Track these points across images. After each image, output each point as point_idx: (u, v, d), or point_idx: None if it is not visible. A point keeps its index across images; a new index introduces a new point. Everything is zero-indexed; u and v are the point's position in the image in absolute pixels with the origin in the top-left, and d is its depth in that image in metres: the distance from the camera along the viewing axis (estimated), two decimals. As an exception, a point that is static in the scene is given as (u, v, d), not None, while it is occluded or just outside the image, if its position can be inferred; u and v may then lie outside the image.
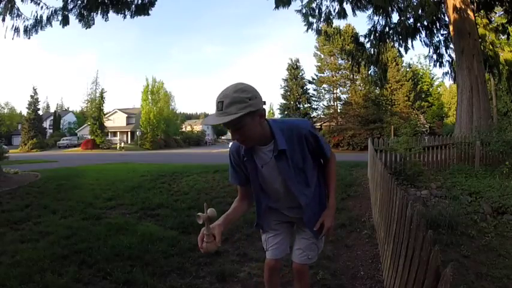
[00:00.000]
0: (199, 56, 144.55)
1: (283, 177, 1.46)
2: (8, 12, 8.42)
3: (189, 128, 55.53)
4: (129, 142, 42.65)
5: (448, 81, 47.14)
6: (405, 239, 1.58)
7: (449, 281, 0.87)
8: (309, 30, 11.16)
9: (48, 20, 9.07)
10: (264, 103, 1.31)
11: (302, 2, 10.78)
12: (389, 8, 10.70)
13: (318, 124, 32.15)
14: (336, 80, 31.01)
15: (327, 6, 10.91)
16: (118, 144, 35.38)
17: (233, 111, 1.19)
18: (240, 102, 1.20)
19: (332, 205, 1.57)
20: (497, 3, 10.47)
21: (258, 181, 1.52)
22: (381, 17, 11.05)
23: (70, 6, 9.16)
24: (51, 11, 9.09)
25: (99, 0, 9.21)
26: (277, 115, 40.37)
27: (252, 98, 1.22)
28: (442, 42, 11.51)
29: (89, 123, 37.45)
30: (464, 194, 4.70)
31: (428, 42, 11.42)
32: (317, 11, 10.90)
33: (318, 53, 31.44)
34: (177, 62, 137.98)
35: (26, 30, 8.91)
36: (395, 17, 20.25)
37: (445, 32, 11.14)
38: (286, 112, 31.15)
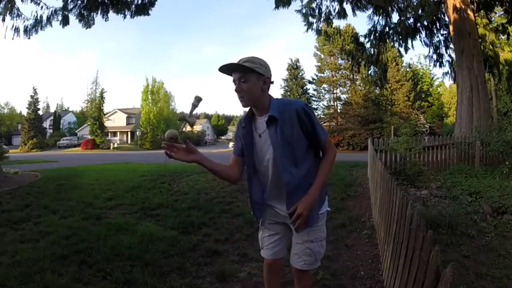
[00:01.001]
0: (199, 56, 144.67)
1: (272, 150, 1.49)
2: (8, 12, 8.42)
3: (189, 128, 55.51)
4: (129, 142, 42.66)
5: (448, 81, 47.15)
6: (405, 239, 1.58)
7: (449, 281, 0.87)
8: (309, 30, 11.18)
9: (48, 20, 9.07)
10: (272, 82, 1.51)
11: (302, 2, 10.80)
12: (389, 8, 10.70)
13: (318, 124, 32.08)
14: (336, 80, 31.01)
15: (327, 6, 10.93)
16: (112, 144, 35.09)
17: (245, 64, 1.42)
18: (253, 62, 1.44)
19: (311, 193, 1.49)
20: (497, 3, 10.47)
21: (252, 156, 1.57)
22: (380, 17, 11.06)
23: (70, 6, 9.17)
24: (51, 11, 9.09)
25: (99, 0, 9.21)
26: (277, 115, 40.23)
27: (263, 65, 1.46)
28: (442, 42, 11.52)
29: (89, 123, 37.47)
30: (464, 194, 4.70)
31: (428, 42, 11.43)
32: (317, 11, 10.91)
33: (318, 53, 31.47)
34: (177, 62, 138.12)
35: (26, 30, 8.91)
36: (395, 17, 20.29)
37: (445, 32, 11.15)
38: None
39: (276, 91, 32.35)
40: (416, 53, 57.98)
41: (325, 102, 32.78)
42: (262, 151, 1.54)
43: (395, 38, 11.19)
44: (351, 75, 29.40)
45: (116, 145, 35.51)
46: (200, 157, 1.48)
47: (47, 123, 46.70)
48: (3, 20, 8.38)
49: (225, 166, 1.60)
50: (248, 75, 1.43)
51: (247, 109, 1.58)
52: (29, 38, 9.04)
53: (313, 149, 1.56)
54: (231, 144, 35.94)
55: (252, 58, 1.46)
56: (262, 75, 1.45)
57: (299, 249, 1.60)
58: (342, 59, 28.64)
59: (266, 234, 1.70)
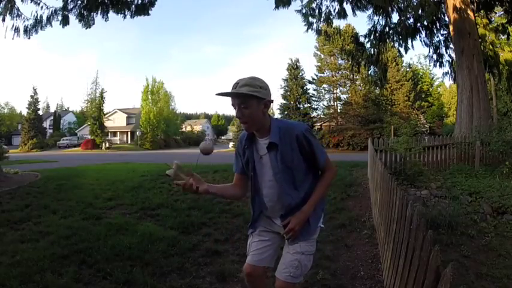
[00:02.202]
0: (199, 56, 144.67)
1: (273, 172, 1.52)
2: (8, 12, 8.42)
3: (189, 128, 55.55)
4: (129, 142, 42.64)
5: (448, 81, 47.11)
6: (405, 239, 1.58)
7: (449, 281, 0.87)
8: (309, 30, 11.17)
9: (48, 20, 9.07)
10: (272, 101, 1.51)
11: (302, 2, 10.80)
12: (390, 8, 10.70)
13: (318, 124, 32.13)
14: (336, 80, 30.99)
15: (327, 6, 10.92)
16: (104, 144, 34.85)
17: (244, 90, 1.40)
18: (252, 86, 1.41)
19: (305, 210, 1.51)
20: (497, 3, 10.47)
21: (255, 173, 1.59)
22: (380, 17, 11.06)
23: (70, 6, 9.16)
24: (51, 11, 9.09)
25: (99, 0, 9.21)
26: (277, 115, 40.36)
27: (262, 88, 1.44)
28: (442, 42, 11.52)
29: (89, 123, 37.44)
30: (464, 194, 4.70)
31: (428, 42, 11.43)
32: (317, 11, 10.90)
33: (318, 53, 31.44)
34: (177, 62, 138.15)
35: (26, 30, 8.91)
36: (395, 17, 20.24)
37: (445, 32, 11.15)
38: (286, 112, 31.11)
39: (276, 91, 32.33)
40: (416, 53, 58.06)
41: (325, 102, 32.78)
42: (263, 172, 1.56)
43: (395, 38, 11.19)
44: (351, 75, 29.38)
45: (107, 145, 34.88)
46: (207, 187, 1.55)
47: (47, 123, 46.70)
48: (3, 20, 8.38)
49: (229, 187, 1.68)
50: (249, 100, 1.42)
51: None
52: (29, 38, 9.05)
53: (311, 171, 1.58)
54: (231, 144, 35.93)
55: (251, 81, 1.43)
56: (262, 99, 1.44)
57: (287, 259, 1.57)
58: (342, 59, 28.61)
59: (255, 240, 1.68)
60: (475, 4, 10.03)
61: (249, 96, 1.40)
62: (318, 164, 1.55)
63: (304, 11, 10.89)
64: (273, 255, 1.68)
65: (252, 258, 1.66)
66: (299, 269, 1.55)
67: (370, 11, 10.91)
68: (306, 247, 1.57)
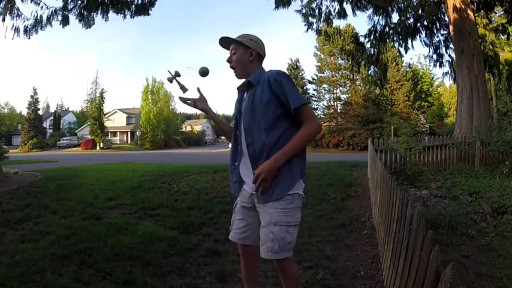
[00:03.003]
0: (199, 56, 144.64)
1: (245, 110, 1.60)
2: (8, 12, 8.41)
3: (189, 128, 55.55)
4: (129, 142, 42.64)
5: (448, 81, 47.14)
6: (405, 239, 1.58)
7: (449, 281, 0.87)
8: (309, 30, 11.18)
9: (48, 20, 9.06)
10: (261, 55, 1.68)
11: (302, 2, 10.80)
12: (390, 8, 10.70)
13: (318, 124, 32.07)
14: (336, 80, 31.01)
15: (327, 6, 10.93)
16: (98, 144, 34.73)
17: (236, 37, 1.66)
18: (244, 36, 1.66)
19: (274, 158, 1.43)
20: (497, 3, 10.47)
21: (237, 123, 1.67)
22: (380, 17, 11.06)
23: (70, 6, 9.16)
24: (51, 11, 9.09)
25: (99, 0, 9.20)
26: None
27: (252, 40, 1.65)
28: (442, 42, 11.52)
29: (89, 123, 37.42)
30: (464, 194, 4.70)
31: (428, 42, 11.43)
32: (317, 11, 10.91)
33: (318, 53, 31.48)
34: (177, 62, 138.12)
35: (26, 30, 8.90)
36: (395, 17, 20.26)
37: (445, 32, 11.15)
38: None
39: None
40: (416, 53, 58.08)
41: (325, 102, 32.85)
42: (242, 119, 1.64)
43: (395, 38, 11.19)
44: (351, 75, 29.41)
45: (102, 145, 34.68)
46: (206, 107, 1.81)
47: (47, 123, 46.72)
48: (3, 20, 8.37)
49: (228, 126, 1.85)
50: (237, 46, 1.64)
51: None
52: (29, 38, 9.04)
53: (289, 118, 1.50)
54: (230, 144, 35.82)
55: (244, 34, 1.67)
56: (249, 48, 1.63)
57: (263, 233, 1.51)
58: (342, 59, 28.65)
59: (237, 218, 1.73)
60: (475, 4, 10.02)
61: (237, 42, 1.63)
62: (289, 106, 1.45)
63: (304, 11, 10.90)
64: (254, 234, 1.65)
65: (235, 236, 1.72)
66: (275, 242, 1.45)
67: (370, 11, 10.92)
68: (278, 217, 1.47)
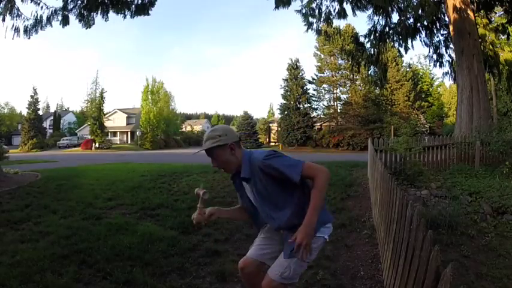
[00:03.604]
0: (199, 56, 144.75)
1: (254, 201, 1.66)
2: (8, 12, 8.41)
3: (189, 128, 55.51)
4: (129, 142, 42.63)
5: (448, 81, 47.15)
6: (405, 239, 1.58)
7: (449, 281, 0.87)
8: (309, 30, 11.17)
9: (48, 20, 9.06)
10: (237, 141, 1.64)
11: (302, 2, 10.80)
12: (390, 8, 10.70)
13: (318, 124, 32.14)
14: (336, 80, 31.00)
15: (327, 6, 10.92)
16: (93, 144, 34.57)
17: (207, 145, 1.60)
18: (212, 138, 1.60)
19: (307, 223, 1.45)
20: (497, 3, 10.47)
21: (248, 200, 1.70)
22: (380, 17, 11.06)
23: (70, 6, 9.16)
24: (51, 11, 9.09)
25: (99, 0, 9.20)
26: (277, 115, 40.35)
27: (221, 135, 1.60)
28: (442, 42, 11.52)
29: (89, 123, 37.40)
30: (464, 194, 4.70)
31: (428, 42, 11.43)
32: (317, 11, 10.90)
33: (318, 53, 31.45)
34: (177, 62, 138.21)
35: (26, 30, 8.90)
36: (395, 17, 20.25)
37: (445, 32, 11.15)
38: (286, 112, 31.13)
39: (276, 91, 32.38)
40: (416, 53, 58.06)
41: (325, 102, 32.81)
42: (250, 199, 1.70)
43: (395, 38, 11.19)
44: (351, 75, 29.39)
45: (97, 145, 34.56)
46: (218, 213, 1.77)
47: (47, 123, 46.66)
48: (3, 20, 8.38)
49: (237, 210, 1.83)
50: (215, 152, 1.60)
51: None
52: (29, 38, 9.04)
53: (292, 187, 1.55)
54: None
55: (211, 133, 1.62)
56: (223, 145, 1.59)
57: (281, 259, 1.61)
58: (342, 59, 28.64)
59: (262, 236, 1.76)
60: (475, 4, 10.03)
61: (211, 149, 1.59)
62: (292, 181, 1.50)
63: (304, 11, 10.89)
64: (273, 253, 1.69)
65: (251, 251, 1.73)
66: (288, 271, 1.56)
67: (370, 11, 10.92)
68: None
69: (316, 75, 31.99)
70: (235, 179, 1.72)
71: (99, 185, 6.67)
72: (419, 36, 11.14)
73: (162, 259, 2.92)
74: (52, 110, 57.79)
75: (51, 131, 45.78)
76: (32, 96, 37.54)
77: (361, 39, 11.86)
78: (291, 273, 1.57)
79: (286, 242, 1.56)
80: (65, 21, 9.18)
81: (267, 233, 1.74)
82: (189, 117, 75.74)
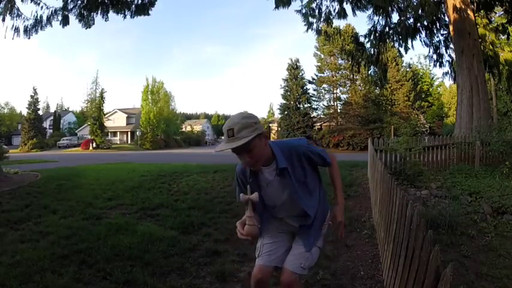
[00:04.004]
0: (199, 56, 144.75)
1: (289, 192, 1.55)
2: (8, 12, 8.42)
3: (189, 128, 55.53)
4: (129, 142, 42.64)
5: (448, 81, 47.14)
6: (405, 239, 1.58)
7: (449, 281, 0.87)
8: (309, 30, 11.18)
9: (48, 20, 9.07)
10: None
11: (302, 2, 10.81)
12: (390, 8, 10.70)
13: (318, 124, 32.13)
14: (336, 80, 31.01)
15: (327, 6, 10.93)
16: (91, 144, 34.50)
17: (244, 135, 1.33)
18: (249, 126, 1.35)
19: (341, 202, 1.65)
20: (497, 3, 10.47)
21: (261, 199, 1.55)
22: (380, 17, 11.06)
23: (70, 6, 9.17)
24: (51, 11, 9.09)
25: (99, 0, 9.21)
26: (277, 115, 40.34)
27: (257, 123, 1.39)
28: (442, 42, 11.53)
29: (89, 123, 37.39)
30: (464, 194, 4.70)
31: (428, 42, 11.44)
32: (317, 11, 10.91)
33: (318, 53, 31.46)
34: (177, 62, 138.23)
35: (26, 30, 8.91)
36: (395, 17, 20.26)
37: (445, 32, 11.15)
38: (286, 112, 31.13)
39: (276, 91, 32.39)
40: (416, 53, 57.97)
41: (325, 102, 32.82)
42: (274, 196, 1.57)
43: (395, 38, 11.20)
44: (351, 75, 29.40)
45: (94, 145, 34.36)
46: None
47: (47, 123, 46.66)
48: (3, 20, 8.38)
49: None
50: (251, 144, 1.36)
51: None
52: (29, 38, 9.06)
53: (317, 174, 1.66)
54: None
55: (245, 121, 1.35)
56: (261, 134, 1.39)
57: (298, 251, 1.60)
58: (342, 59, 28.64)
59: (268, 242, 1.67)
60: (475, 4, 10.03)
61: (250, 140, 1.33)
62: (326, 164, 1.65)
63: (304, 11, 10.90)
64: (283, 254, 1.66)
65: (265, 259, 1.63)
66: (309, 260, 1.60)
67: (370, 11, 10.93)
68: (319, 241, 1.66)
69: (316, 75, 32.02)
70: (253, 175, 1.53)
71: (99, 185, 6.67)
72: (419, 36, 11.17)
73: (162, 259, 2.92)
74: (52, 110, 57.83)
75: (51, 131, 45.77)
76: (32, 96, 37.52)
77: (361, 39, 11.88)
78: (311, 262, 1.62)
79: (306, 234, 1.61)
80: (65, 21, 9.18)
81: (270, 239, 1.67)
82: (189, 117, 75.79)
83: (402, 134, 6.36)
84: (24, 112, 40.66)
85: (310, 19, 11.00)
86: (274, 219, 1.69)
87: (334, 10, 10.78)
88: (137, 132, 39.81)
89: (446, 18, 9.90)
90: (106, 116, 38.68)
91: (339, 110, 31.45)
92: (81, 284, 2.47)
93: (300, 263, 1.57)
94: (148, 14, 10.00)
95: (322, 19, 10.97)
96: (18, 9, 8.73)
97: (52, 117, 48.89)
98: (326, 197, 1.74)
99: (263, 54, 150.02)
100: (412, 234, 1.41)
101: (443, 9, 9.96)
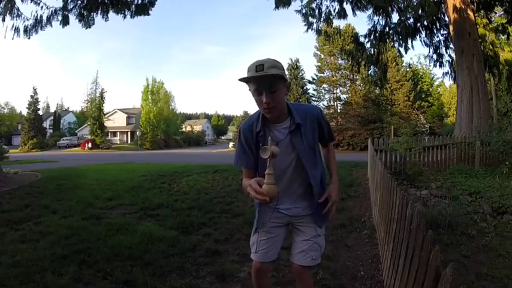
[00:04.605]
0: (199, 56, 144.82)
1: (297, 153, 1.49)
2: (8, 12, 8.41)
3: (189, 128, 55.54)
4: (129, 142, 42.65)
5: (448, 81, 47.08)
6: (405, 239, 1.58)
7: (449, 281, 0.87)
8: (309, 30, 11.16)
9: (48, 20, 9.06)
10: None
11: (302, 2, 10.79)
12: (390, 8, 10.69)
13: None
14: (336, 80, 31.03)
15: (327, 6, 10.91)
16: (87, 144, 34.50)
17: (274, 71, 1.31)
18: (279, 68, 1.34)
19: (335, 181, 1.62)
20: (497, 3, 10.46)
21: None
22: (380, 17, 11.05)
23: (70, 6, 9.15)
24: (51, 11, 9.07)
25: (99, 0, 9.20)
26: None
27: (284, 70, 1.39)
28: (442, 42, 11.51)
29: (89, 123, 37.43)
30: (464, 194, 4.70)
31: (428, 42, 11.43)
32: (317, 11, 10.90)
33: (318, 53, 31.49)
34: (177, 62, 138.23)
35: (26, 30, 8.89)
36: (395, 17, 20.22)
37: (445, 32, 11.14)
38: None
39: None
40: (416, 53, 57.88)
41: (325, 102, 32.84)
42: (283, 156, 1.44)
43: (395, 38, 11.19)
44: (351, 75, 29.42)
45: (90, 145, 34.40)
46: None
47: (47, 123, 46.65)
48: (3, 20, 8.37)
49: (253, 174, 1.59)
50: (278, 83, 1.32)
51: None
52: (29, 38, 9.03)
53: (318, 148, 1.64)
54: (231, 144, 35.88)
55: (276, 63, 1.34)
56: (286, 81, 1.37)
57: (306, 245, 1.58)
58: (342, 59, 28.66)
59: (263, 238, 1.64)
60: (475, 4, 10.02)
61: (278, 78, 1.30)
62: (332, 139, 1.67)
63: (304, 11, 10.88)
64: (278, 247, 1.70)
65: (262, 256, 1.64)
66: (318, 250, 1.61)
67: (370, 11, 10.90)
68: (320, 229, 1.64)
69: (316, 75, 32.05)
70: (264, 130, 1.46)
71: (99, 185, 6.67)
72: (419, 36, 11.14)
73: (162, 259, 2.92)
74: (52, 110, 57.82)
75: (51, 131, 45.80)
76: (32, 96, 37.53)
77: (361, 39, 11.85)
78: (321, 250, 1.63)
79: (311, 216, 1.59)
80: (65, 21, 9.17)
81: (266, 235, 1.65)
82: (189, 117, 75.83)
83: (402, 134, 6.35)
84: (24, 112, 40.69)
85: (310, 19, 10.99)
86: (271, 212, 1.61)
87: (334, 10, 10.78)
88: (137, 132, 39.85)
89: (446, 18, 9.90)
90: (106, 116, 38.70)
91: (339, 110, 31.46)
92: (81, 284, 2.47)
93: (310, 256, 1.58)
94: (148, 14, 9.99)
95: (322, 19, 10.96)
96: (18, 9, 8.72)
97: (52, 117, 48.92)
98: (326, 182, 1.64)
99: (263, 54, 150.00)
100: (412, 234, 1.41)
101: (443, 9, 9.96)
